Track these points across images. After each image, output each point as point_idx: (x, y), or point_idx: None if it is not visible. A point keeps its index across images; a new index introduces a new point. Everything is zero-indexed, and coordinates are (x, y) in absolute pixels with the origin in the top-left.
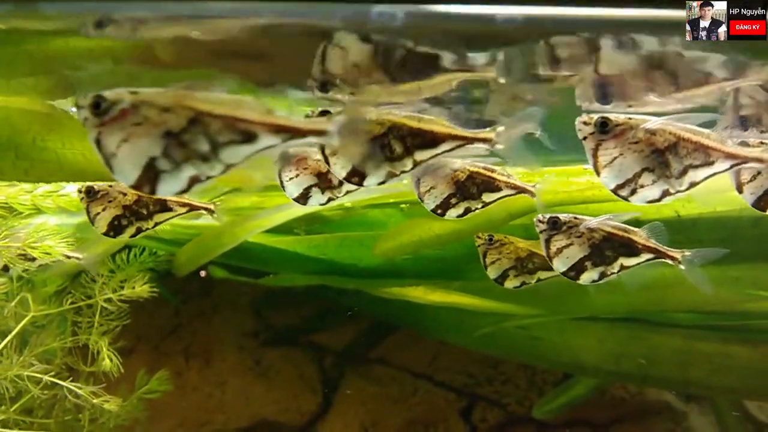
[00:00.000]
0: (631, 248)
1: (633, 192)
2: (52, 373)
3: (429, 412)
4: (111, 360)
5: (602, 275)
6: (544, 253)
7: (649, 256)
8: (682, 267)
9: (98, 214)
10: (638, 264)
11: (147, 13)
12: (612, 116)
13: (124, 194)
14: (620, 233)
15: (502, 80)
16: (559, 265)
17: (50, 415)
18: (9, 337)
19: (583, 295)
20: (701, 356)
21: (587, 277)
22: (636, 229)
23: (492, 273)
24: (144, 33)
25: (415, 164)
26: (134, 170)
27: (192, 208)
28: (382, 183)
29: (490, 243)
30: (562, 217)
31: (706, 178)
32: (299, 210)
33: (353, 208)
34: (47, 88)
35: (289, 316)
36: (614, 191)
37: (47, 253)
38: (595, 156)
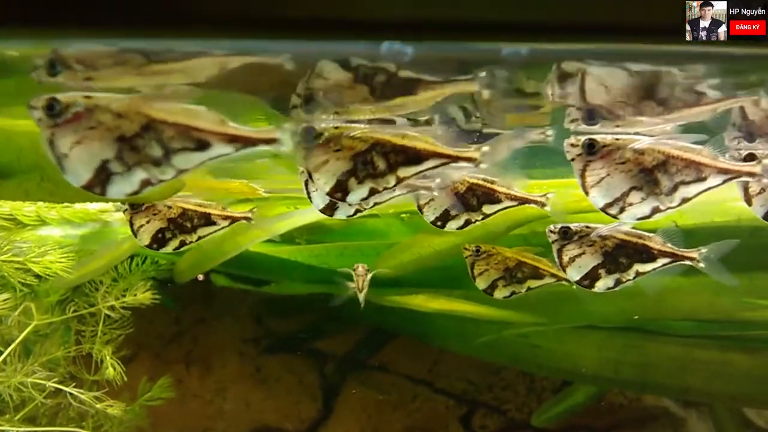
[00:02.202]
0: (646, 254)
1: (622, 210)
2: (55, 379)
3: (429, 419)
4: (114, 369)
5: (617, 282)
6: (557, 263)
7: (666, 260)
8: (702, 265)
9: (142, 226)
10: (655, 269)
11: (105, 59)
12: (599, 137)
13: (169, 207)
14: (634, 240)
15: (485, 94)
16: (573, 273)
17: (54, 424)
18: (13, 346)
19: (583, 304)
20: (699, 364)
21: (602, 284)
22: (651, 235)
23: (481, 284)
24: (98, 83)
25: (398, 181)
26: (86, 171)
27: (233, 219)
28: (365, 199)
29: (477, 254)
30: (573, 226)
31: (700, 193)
32: (301, 219)
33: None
34: None
35: (289, 323)
36: (603, 210)
37: (48, 268)
38: (583, 176)
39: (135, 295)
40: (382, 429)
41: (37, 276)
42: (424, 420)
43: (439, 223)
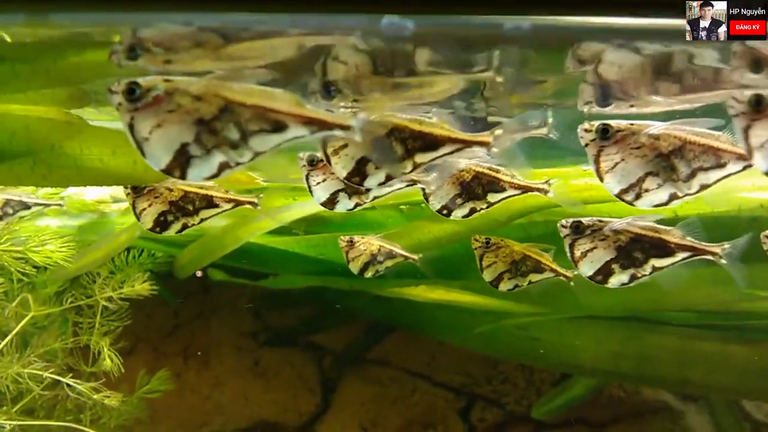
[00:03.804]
0: (663, 248)
1: (638, 196)
2: (51, 370)
3: (428, 412)
4: (112, 360)
5: (633, 277)
6: (569, 257)
7: (686, 254)
8: (724, 262)
9: (144, 209)
10: (674, 263)
11: (183, 41)
12: (613, 123)
13: (171, 190)
14: (650, 234)
15: (499, 79)
16: (585, 269)
17: (51, 416)
18: (9, 336)
19: (581, 294)
20: (699, 356)
21: (616, 280)
22: (669, 228)
23: (488, 276)
24: (177, 66)
25: (415, 166)
26: (166, 155)
27: (237, 203)
28: (382, 184)
29: (487, 246)
30: (585, 220)
31: (720, 179)
32: (301, 211)
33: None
34: (64, 98)
35: (287, 316)
36: (618, 196)
37: (48, 258)
38: (597, 162)
39: (133, 286)
40: (380, 422)
41: (35, 266)
42: (422, 413)
43: (445, 212)
